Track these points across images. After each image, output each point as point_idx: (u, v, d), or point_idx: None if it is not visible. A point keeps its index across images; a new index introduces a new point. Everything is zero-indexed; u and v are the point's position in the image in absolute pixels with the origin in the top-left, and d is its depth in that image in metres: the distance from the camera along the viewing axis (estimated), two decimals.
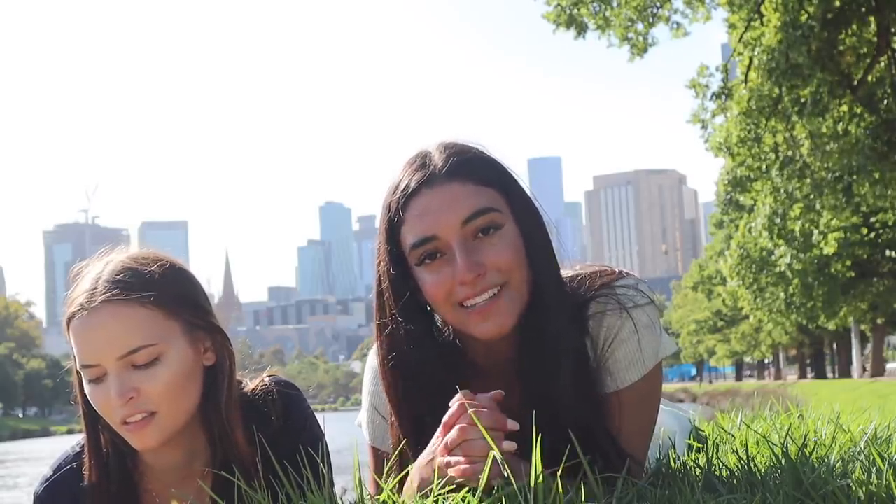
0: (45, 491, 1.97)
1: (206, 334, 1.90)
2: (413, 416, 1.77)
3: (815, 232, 18.81)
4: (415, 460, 1.66)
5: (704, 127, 16.56)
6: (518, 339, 1.76)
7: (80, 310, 1.81)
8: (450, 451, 1.50)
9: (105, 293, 1.81)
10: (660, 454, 1.91)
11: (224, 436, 1.87)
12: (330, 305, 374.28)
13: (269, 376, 2.00)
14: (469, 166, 1.75)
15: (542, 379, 1.73)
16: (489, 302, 1.69)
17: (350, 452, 1.58)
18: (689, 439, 2.24)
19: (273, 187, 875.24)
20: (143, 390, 1.78)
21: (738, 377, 78.12)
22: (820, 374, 54.07)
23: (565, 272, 1.83)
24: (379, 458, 1.90)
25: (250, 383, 2.00)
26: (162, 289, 1.85)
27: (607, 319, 1.79)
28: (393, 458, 1.76)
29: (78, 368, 1.84)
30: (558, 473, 1.45)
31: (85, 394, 1.88)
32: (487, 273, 1.69)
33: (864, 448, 1.74)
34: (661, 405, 1.91)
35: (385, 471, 1.70)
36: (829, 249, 19.53)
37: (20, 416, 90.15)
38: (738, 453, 1.79)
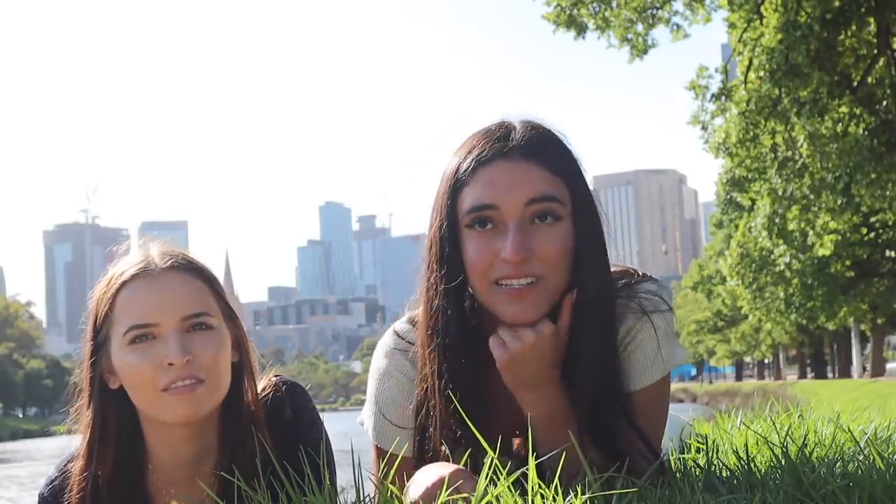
0: (50, 491, 1.97)
1: (233, 327, 1.93)
2: (445, 381, 1.75)
3: (811, 233, 18.78)
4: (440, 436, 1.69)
5: (704, 128, 16.56)
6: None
7: (141, 272, 1.85)
8: None
9: (166, 262, 1.87)
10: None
11: (241, 440, 1.87)
12: (330, 305, 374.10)
13: (275, 376, 2.01)
14: (547, 151, 1.75)
15: (572, 380, 1.73)
16: (524, 287, 1.68)
17: (349, 452, 1.58)
18: (689, 439, 2.25)
19: (273, 187, 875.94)
20: (197, 355, 1.81)
21: (738, 377, 78.08)
22: (820, 374, 54.04)
23: None
24: (384, 456, 1.89)
25: (257, 384, 2.00)
26: (209, 271, 1.92)
27: (627, 321, 1.80)
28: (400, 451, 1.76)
29: (123, 333, 1.82)
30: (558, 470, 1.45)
31: (97, 383, 1.87)
32: (533, 260, 1.68)
33: (864, 448, 1.74)
34: None
35: (395, 465, 1.69)
36: (824, 251, 19.51)
37: (20, 416, 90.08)
38: (738, 453, 1.79)
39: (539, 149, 1.74)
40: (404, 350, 1.86)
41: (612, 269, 1.85)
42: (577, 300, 1.72)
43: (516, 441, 1.78)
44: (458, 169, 1.75)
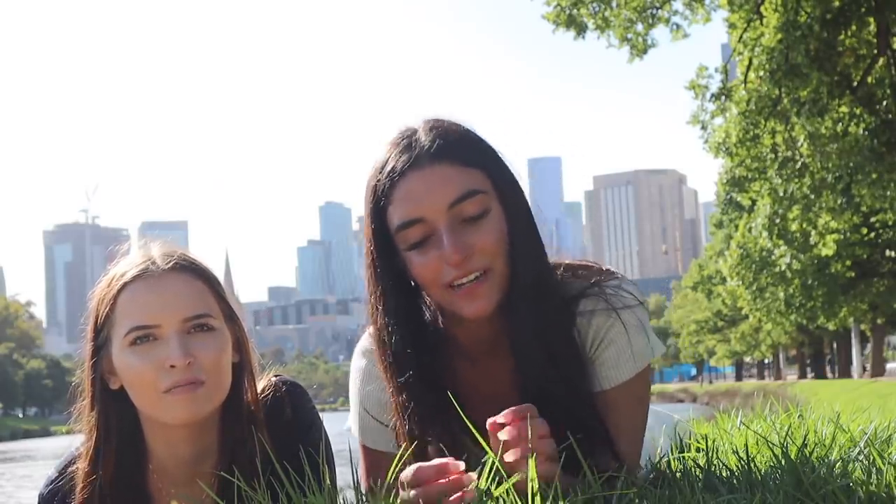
0: (50, 492, 1.96)
1: (233, 328, 1.93)
2: (405, 400, 1.78)
3: (813, 233, 18.77)
4: (408, 449, 1.70)
5: (704, 128, 16.55)
6: (502, 321, 1.77)
7: (142, 273, 1.85)
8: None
9: (167, 263, 1.87)
10: (650, 456, 1.91)
11: (241, 440, 1.87)
12: (330, 305, 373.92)
13: (275, 376, 2.01)
14: (456, 147, 1.74)
15: (530, 361, 1.75)
16: (475, 283, 1.70)
17: (346, 454, 1.58)
18: (689, 439, 2.25)
19: (273, 187, 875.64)
20: (198, 357, 1.80)
21: (738, 377, 78.07)
22: (820, 374, 54.01)
23: (553, 260, 1.84)
24: (371, 456, 1.90)
25: (258, 384, 2.00)
26: (210, 272, 1.92)
27: (596, 319, 1.80)
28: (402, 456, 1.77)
29: (125, 332, 1.82)
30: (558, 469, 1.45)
31: (98, 384, 1.87)
32: (474, 255, 1.69)
33: (864, 448, 1.74)
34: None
35: (395, 466, 1.70)
36: (826, 251, 19.50)
37: (20, 416, 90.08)
38: (738, 453, 1.79)
39: (446, 147, 1.73)
40: None
41: (575, 263, 1.86)
42: (514, 282, 1.74)
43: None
44: (375, 189, 1.75)
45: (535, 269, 1.75)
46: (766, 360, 70.19)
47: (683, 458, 1.80)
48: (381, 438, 1.86)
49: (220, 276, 2.00)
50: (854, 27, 14.92)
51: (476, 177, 1.73)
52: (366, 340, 1.92)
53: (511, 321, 1.76)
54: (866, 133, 14.85)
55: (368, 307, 1.82)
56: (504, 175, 1.78)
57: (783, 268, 27.70)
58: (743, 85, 15.58)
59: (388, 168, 1.74)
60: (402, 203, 1.71)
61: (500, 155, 1.80)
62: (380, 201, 1.75)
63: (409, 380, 1.76)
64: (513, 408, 1.49)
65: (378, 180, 1.75)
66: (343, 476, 1.74)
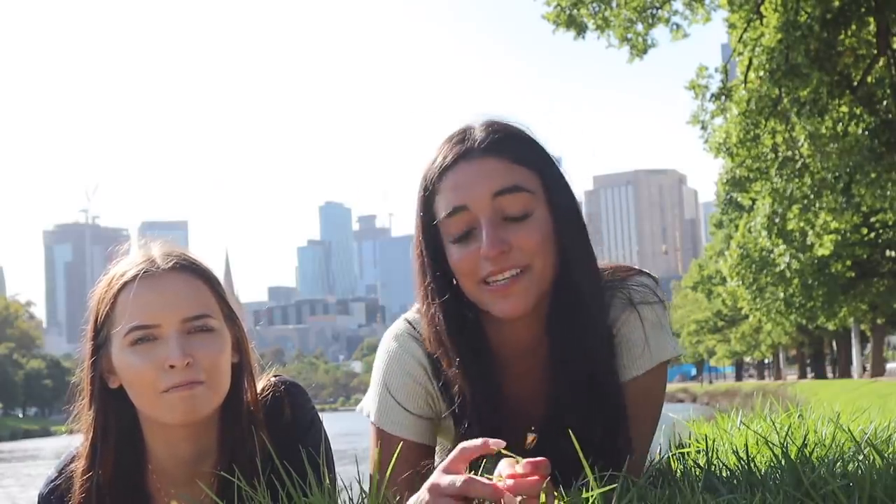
0: (50, 491, 1.96)
1: (233, 328, 1.93)
2: (459, 390, 1.78)
3: (811, 233, 18.76)
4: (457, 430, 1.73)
5: (704, 128, 16.55)
6: (540, 326, 1.77)
7: (142, 272, 1.84)
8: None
9: (168, 262, 1.87)
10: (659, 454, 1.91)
11: (241, 440, 1.87)
12: (330, 305, 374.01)
13: (274, 376, 2.01)
14: (508, 144, 1.75)
15: (570, 363, 1.74)
16: (509, 281, 1.69)
17: (347, 453, 1.59)
18: (689, 439, 2.25)
19: (273, 187, 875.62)
20: (197, 357, 1.80)
21: (738, 377, 78.07)
22: (820, 374, 54.02)
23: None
24: (384, 439, 1.87)
25: (257, 384, 2.00)
26: (210, 272, 1.92)
27: (613, 311, 1.80)
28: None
29: (125, 332, 1.82)
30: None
31: (98, 383, 1.87)
32: (512, 252, 1.69)
33: (864, 448, 1.74)
34: None
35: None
36: (823, 251, 19.49)
37: (20, 416, 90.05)
38: (738, 453, 1.79)
39: (498, 143, 1.75)
40: (415, 336, 1.86)
41: (607, 266, 1.86)
42: (563, 285, 1.74)
43: (530, 437, 1.79)
44: (425, 178, 1.78)
45: (584, 277, 1.75)
46: (766, 360, 70.19)
47: (683, 458, 1.80)
48: (398, 423, 1.85)
49: (220, 276, 2.00)
50: (854, 27, 14.91)
51: (525, 175, 1.73)
52: (401, 324, 1.91)
53: (554, 328, 1.75)
54: (866, 133, 14.84)
55: (419, 294, 1.81)
56: (555, 179, 1.78)
57: (783, 268, 27.70)
58: (743, 85, 15.57)
59: (440, 159, 1.77)
60: (448, 192, 1.73)
61: (553, 160, 1.81)
62: (429, 190, 1.77)
63: (458, 369, 1.76)
64: (532, 461, 1.35)
65: (429, 171, 1.78)
66: (342, 476, 1.74)
